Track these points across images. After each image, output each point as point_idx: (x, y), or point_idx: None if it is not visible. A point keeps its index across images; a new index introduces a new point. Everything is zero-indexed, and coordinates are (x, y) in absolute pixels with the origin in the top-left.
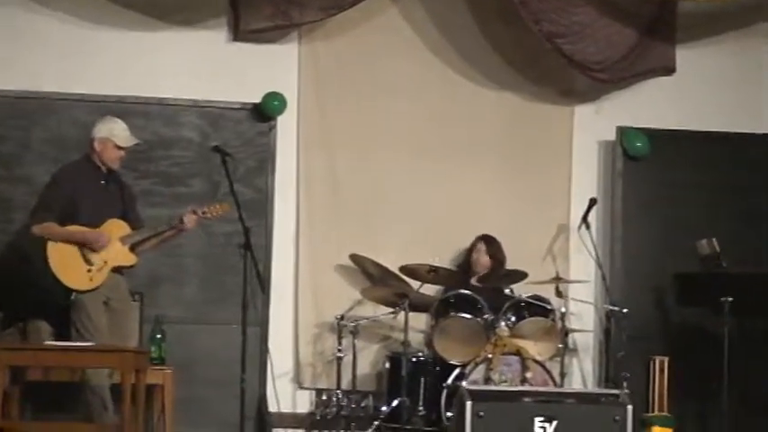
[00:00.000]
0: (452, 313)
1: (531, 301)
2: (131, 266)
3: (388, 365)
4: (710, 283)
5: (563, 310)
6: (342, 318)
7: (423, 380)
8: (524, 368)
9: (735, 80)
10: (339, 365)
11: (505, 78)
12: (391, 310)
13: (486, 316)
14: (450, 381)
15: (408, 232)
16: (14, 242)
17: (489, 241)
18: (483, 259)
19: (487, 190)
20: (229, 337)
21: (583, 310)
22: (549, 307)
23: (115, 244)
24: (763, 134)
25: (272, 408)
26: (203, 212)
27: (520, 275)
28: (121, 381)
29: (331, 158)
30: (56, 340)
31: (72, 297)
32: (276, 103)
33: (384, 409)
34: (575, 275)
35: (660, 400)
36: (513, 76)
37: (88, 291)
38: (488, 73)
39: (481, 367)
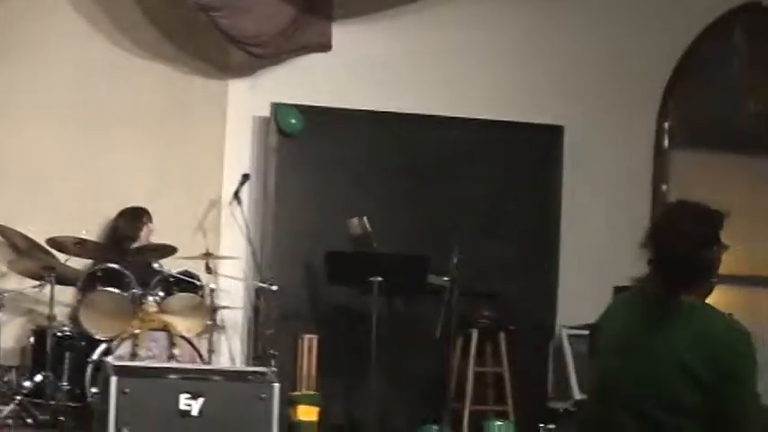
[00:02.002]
0: (99, 287)
1: (180, 276)
2: None
3: (32, 340)
4: (361, 262)
5: (212, 286)
6: None
7: (68, 354)
8: (172, 344)
9: (389, 60)
10: None
11: (160, 50)
12: (37, 283)
13: (133, 290)
14: (95, 356)
15: (56, 203)
16: None
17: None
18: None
19: (138, 162)
20: None
21: (233, 286)
22: (198, 283)
23: None
24: (423, 114)
25: None
26: None
27: (169, 250)
28: None
29: None
30: None
31: None
32: None
33: (27, 384)
34: (225, 251)
35: (308, 378)
36: (169, 48)
37: None
38: (142, 43)
39: (128, 343)
